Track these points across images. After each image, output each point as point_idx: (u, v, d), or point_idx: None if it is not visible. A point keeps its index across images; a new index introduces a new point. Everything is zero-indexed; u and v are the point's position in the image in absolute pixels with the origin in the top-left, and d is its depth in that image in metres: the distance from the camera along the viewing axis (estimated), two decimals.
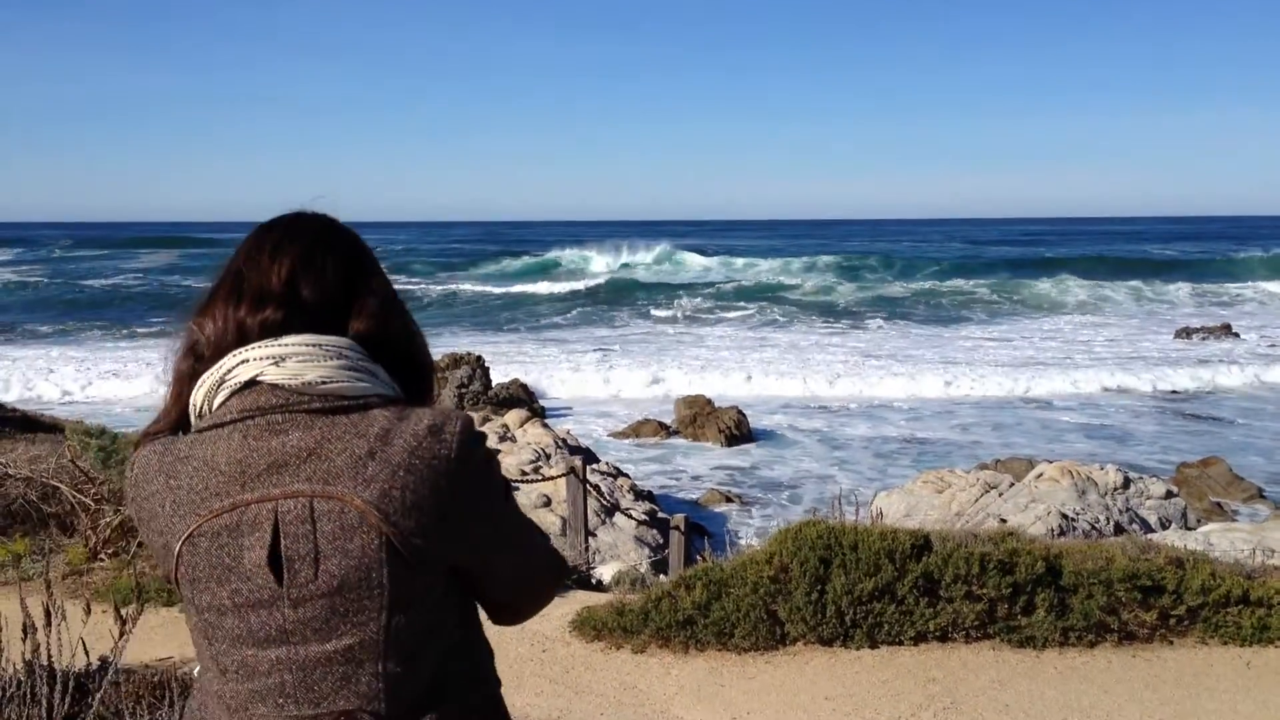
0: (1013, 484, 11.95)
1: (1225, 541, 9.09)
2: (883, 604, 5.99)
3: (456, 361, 20.69)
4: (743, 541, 9.78)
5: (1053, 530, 10.01)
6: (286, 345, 1.50)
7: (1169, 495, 11.82)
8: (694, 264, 64.17)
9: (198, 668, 1.60)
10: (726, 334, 36.42)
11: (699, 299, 45.80)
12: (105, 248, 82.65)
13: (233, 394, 1.51)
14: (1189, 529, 10.78)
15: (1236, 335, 34.23)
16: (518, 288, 50.35)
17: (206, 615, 1.50)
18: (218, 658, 1.52)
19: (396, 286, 1.66)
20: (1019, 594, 6.03)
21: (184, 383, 1.57)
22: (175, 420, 1.58)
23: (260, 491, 1.47)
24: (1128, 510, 11.11)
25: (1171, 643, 6.09)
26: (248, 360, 1.50)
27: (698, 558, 7.10)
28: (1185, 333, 34.83)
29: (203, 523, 1.48)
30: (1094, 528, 10.44)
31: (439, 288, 50.82)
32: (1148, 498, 11.64)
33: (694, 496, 14.74)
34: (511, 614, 1.70)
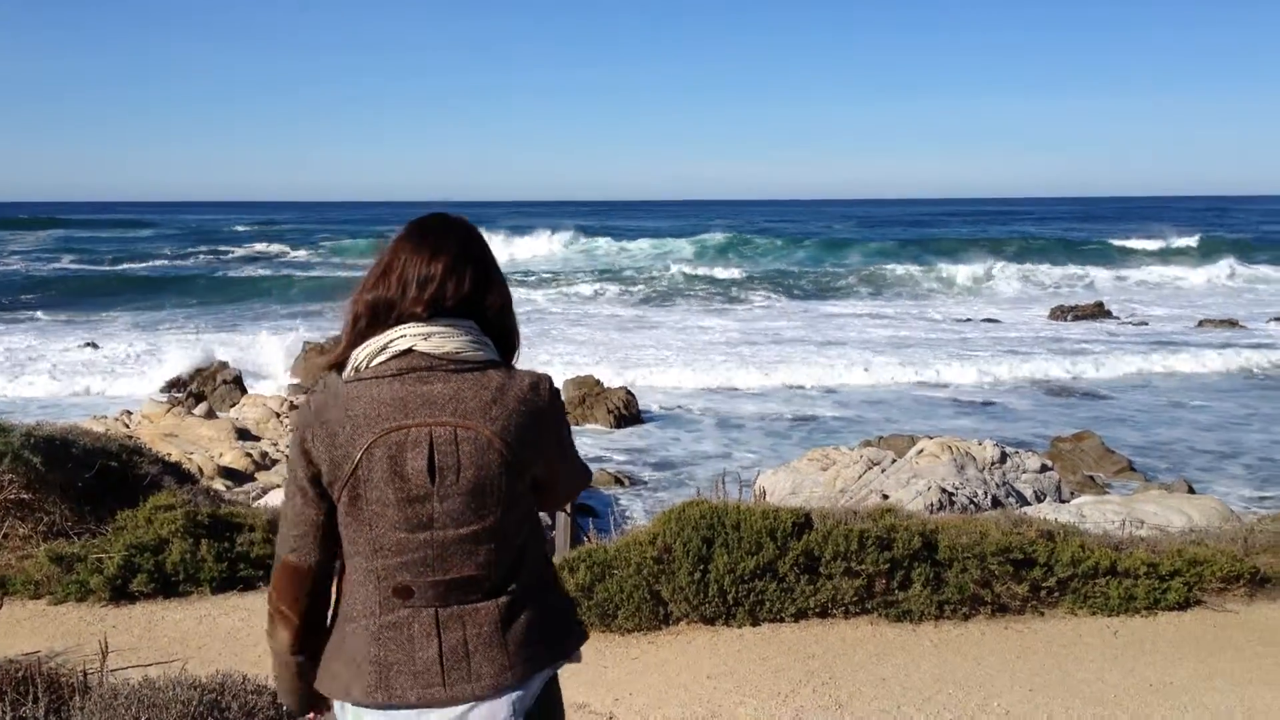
0: (895, 460, 12.15)
1: (1097, 513, 9.36)
2: (764, 582, 6.05)
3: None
4: (633, 522, 9.81)
5: (933, 505, 10.19)
6: (432, 326, 2.18)
7: (1044, 469, 12.13)
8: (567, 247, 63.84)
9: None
10: (616, 314, 36.46)
11: (585, 282, 45.75)
12: None
13: (393, 356, 2.17)
14: (1063, 502, 11.06)
15: (1109, 314, 35.34)
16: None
17: (374, 507, 2.14)
18: (376, 539, 2.16)
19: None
20: (897, 569, 6.14)
21: (357, 340, 2.22)
22: (342, 359, 2.23)
23: (419, 419, 2.14)
24: (1004, 484, 11.37)
25: (1043, 614, 6.26)
26: (405, 335, 2.18)
27: (584, 539, 7.09)
28: (1061, 312, 35.86)
29: (378, 438, 2.13)
30: (972, 502, 10.66)
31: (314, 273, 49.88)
32: (1024, 472, 11.93)
33: None
34: (557, 505, 2.48)
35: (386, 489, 2.13)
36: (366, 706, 2.17)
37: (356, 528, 2.17)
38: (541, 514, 2.47)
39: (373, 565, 2.16)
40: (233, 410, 18.66)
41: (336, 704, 2.24)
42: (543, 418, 2.22)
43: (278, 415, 17.27)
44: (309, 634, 2.28)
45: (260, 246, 64.19)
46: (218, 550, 6.83)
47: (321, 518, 2.21)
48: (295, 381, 22.09)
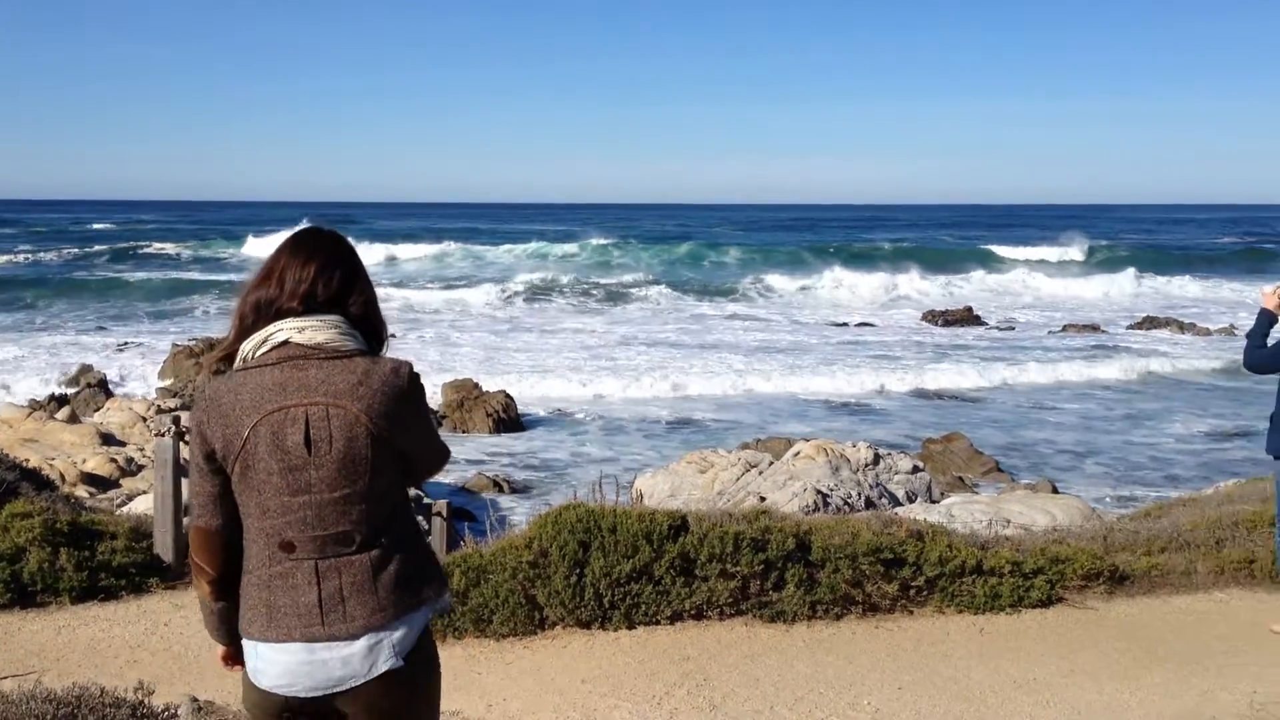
0: (772, 463, 12.29)
1: (966, 513, 9.59)
2: (640, 585, 6.06)
3: (212, 347, 19.83)
4: (511, 527, 9.74)
5: (809, 506, 10.32)
6: (306, 321, 2.55)
7: (915, 470, 12.39)
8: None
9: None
10: (493, 317, 36.26)
11: (463, 286, 45.41)
12: None
13: (273, 348, 2.54)
14: (933, 502, 11.31)
15: (978, 319, 36.30)
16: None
17: (261, 475, 2.50)
18: (264, 503, 2.51)
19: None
20: (771, 570, 6.20)
21: (243, 334, 2.59)
22: (231, 353, 2.60)
23: (296, 400, 2.49)
24: (878, 485, 11.58)
25: (912, 612, 6.39)
26: (283, 329, 2.54)
27: (460, 544, 7.02)
28: (932, 316, 36.72)
29: (262, 417, 2.49)
30: (847, 503, 10.83)
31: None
32: (896, 473, 12.17)
33: (460, 482, 14.59)
34: (421, 477, 2.75)
35: (271, 460, 2.49)
36: (261, 641, 2.54)
37: (247, 494, 2.54)
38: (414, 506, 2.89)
39: (262, 525, 2.54)
40: (97, 415, 18.04)
41: (245, 641, 2.60)
42: (403, 397, 2.57)
43: (144, 419, 16.74)
44: (226, 585, 2.64)
45: (126, 245, 62.15)
46: (78, 559, 6.60)
47: (217, 489, 2.58)
48: (164, 384, 21.47)
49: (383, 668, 2.51)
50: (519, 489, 14.71)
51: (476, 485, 14.49)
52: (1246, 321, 5.78)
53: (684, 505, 9.01)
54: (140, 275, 46.53)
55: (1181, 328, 33.52)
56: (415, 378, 2.61)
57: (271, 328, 2.56)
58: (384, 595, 2.53)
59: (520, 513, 12.92)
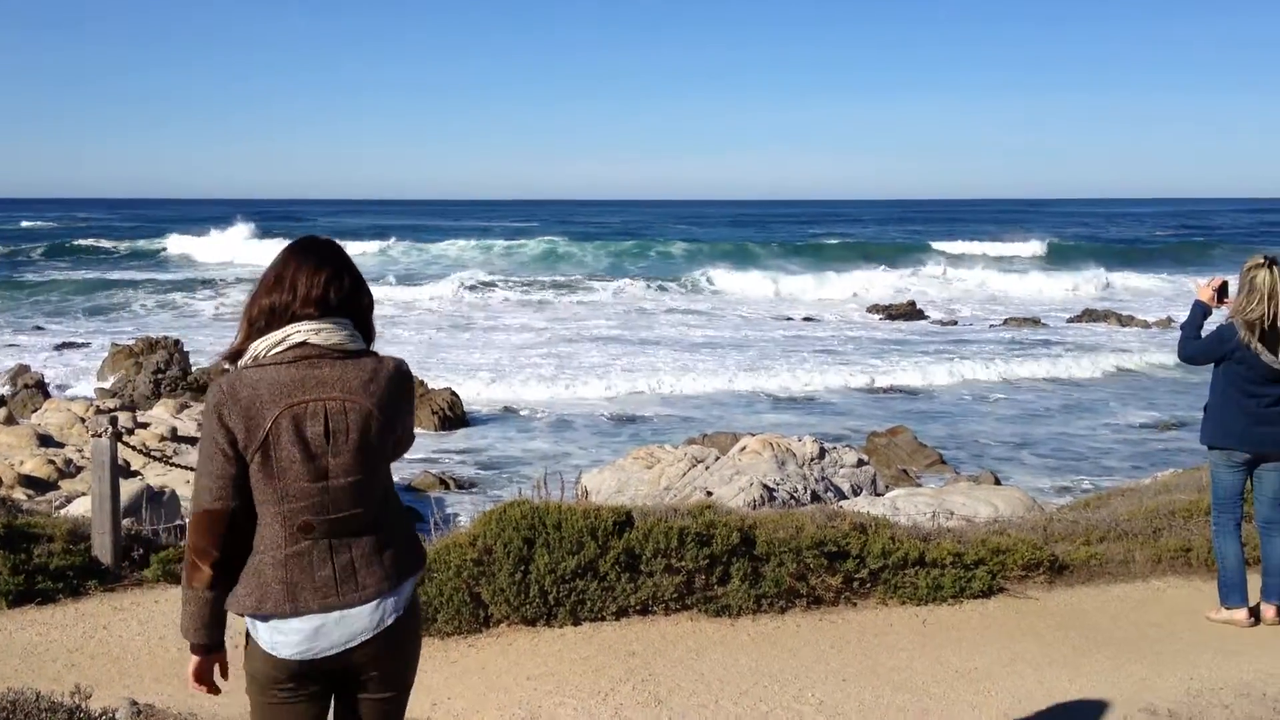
0: (718, 457, 12.32)
1: (910, 505, 9.67)
2: (585, 581, 6.05)
3: (152, 346, 19.57)
4: (456, 525, 9.68)
5: (755, 501, 10.35)
6: (321, 323, 2.84)
7: (860, 464, 12.49)
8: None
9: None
10: (437, 314, 36.06)
11: (409, 284, 45.13)
12: None
13: (290, 347, 2.81)
14: (878, 495, 11.39)
15: (922, 313, 36.64)
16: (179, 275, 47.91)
17: (283, 463, 2.77)
18: (285, 489, 2.78)
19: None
20: (716, 565, 6.22)
21: (254, 335, 2.85)
22: (241, 351, 2.86)
23: (315, 395, 2.79)
24: (823, 479, 11.65)
25: (855, 605, 6.43)
26: (300, 330, 2.82)
27: None
28: (876, 309, 37.02)
29: (283, 410, 2.77)
30: (793, 497, 10.89)
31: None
32: (841, 466, 12.25)
33: (405, 480, 14.50)
34: (395, 460, 3.04)
35: (293, 449, 2.77)
36: (277, 617, 2.78)
37: (267, 480, 2.79)
38: None
39: (280, 509, 2.79)
40: (35, 416, 17.73)
41: (248, 621, 2.84)
42: (403, 391, 2.94)
43: (83, 420, 16.47)
44: (227, 570, 2.82)
45: (61, 242, 61.00)
46: (14, 563, 6.48)
47: (236, 472, 2.79)
48: (103, 385, 21.13)
49: (388, 622, 2.88)
50: (465, 486, 14.64)
51: (422, 483, 14.41)
52: (1183, 313, 5.88)
53: (631, 501, 9.01)
54: (78, 274, 45.77)
55: (1121, 321, 34.04)
56: (409, 373, 3.00)
57: (288, 329, 2.83)
58: (388, 565, 2.90)
59: (467, 510, 12.86)
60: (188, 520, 2.99)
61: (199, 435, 3.33)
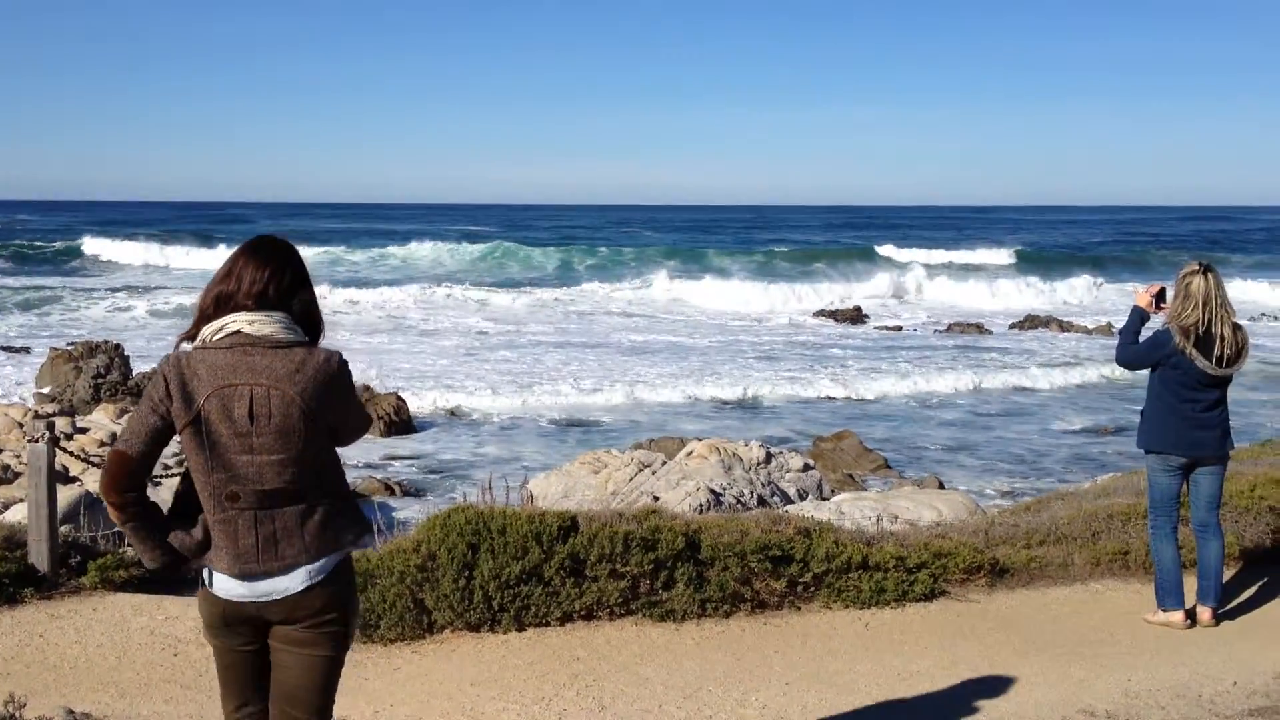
0: (665, 462, 12.33)
1: (855, 510, 9.72)
2: (530, 586, 6.04)
3: (92, 350, 19.26)
4: (401, 531, 9.59)
5: (702, 505, 10.37)
6: (256, 315, 3.14)
7: (806, 468, 12.55)
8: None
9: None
10: (379, 318, 35.84)
11: (357, 286, 44.79)
12: None
13: (227, 335, 3.12)
14: (824, 499, 11.45)
15: (867, 318, 36.94)
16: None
17: (213, 438, 3.09)
18: (213, 461, 3.11)
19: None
20: (660, 569, 6.23)
21: (203, 320, 3.18)
22: (194, 334, 3.18)
23: (243, 380, 3.09)
24: (770, 484, 11.70)
25: (799, 608, 6.47)
26: (236, 320, 3.13)
27: None
28: (823, 314, 37.30)
29: (214, 390, 3.08)
30: (739, 501, 10.92)
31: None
32: (787, 471, 12.31)
33: (351, 486, 14.35)
34: (346, 443, 3.34)
35: (221, 426, 3.09)
36: (217, 571, 3.18)
37: (198, 451, 3.12)
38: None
39: (210, 479, 3.13)
40: None
41: (205, 570, 3.21)
42: (333, 381, 3.19)
43: (20, 425, 16.19)
44: (137, 503, 3.13)
45: None
46: None
47: (157, 427, 3.12)
48: (43, 390, 20.76)
49: (301, 586, 3.16)
50: (411, 492, 14.53)
51: (367, 489, 14.28)
52: (1122, 319, 5.95)
53: (577, 506, 8.99)
54: (13, 280, 44.91)
55: (1062, 327, 34.48)
56: (344, 364, 3.23)
57: (228, 318, 3.14)
58: (309, 539, 3.18)
59: (413, 516, 12.77)
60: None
61: None
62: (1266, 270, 54.17)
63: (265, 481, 3.12)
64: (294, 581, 3.16)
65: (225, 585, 3.17)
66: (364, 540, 3.34)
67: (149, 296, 39.16)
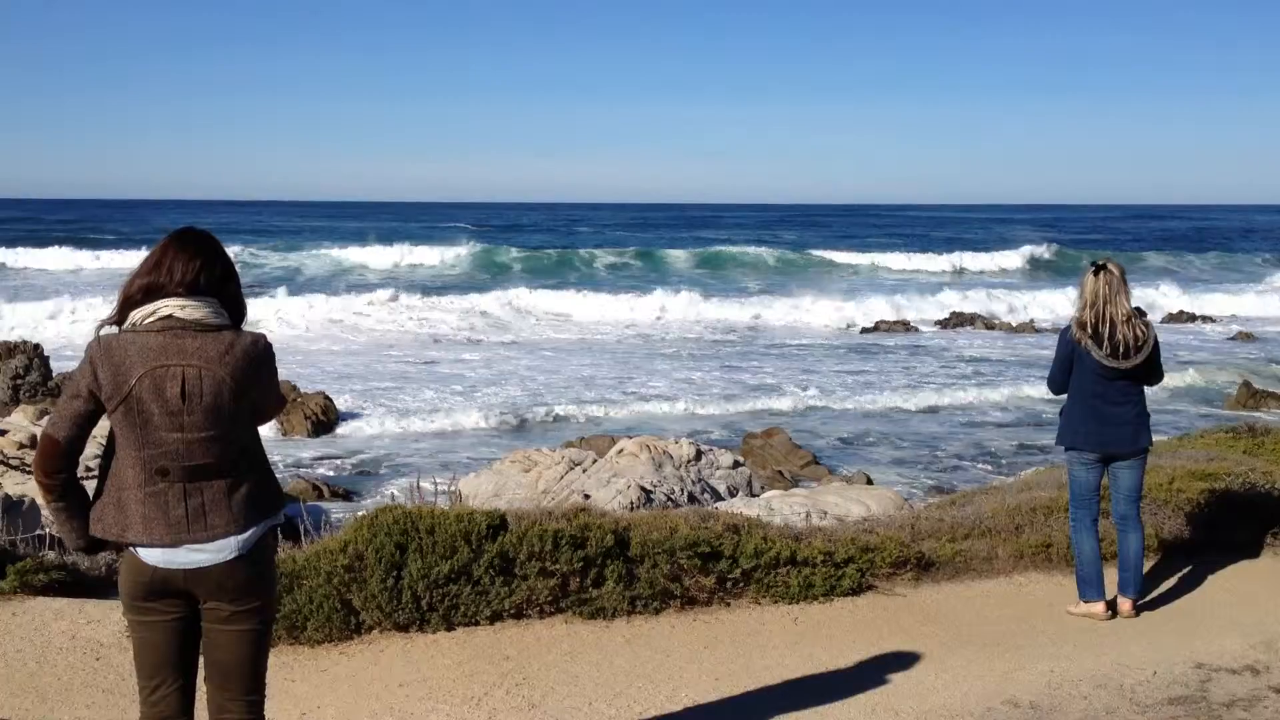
0: (596, 460, 12.33)
1: (785, 506, 9.78)
2: (459, 586, 6.00)
3: (10, 351, 18.80)
4: (329, 531, 9.47)
5: (632, 503, 10.38)
6: (187, 300, 3.32)
7: (736, 465, 12.62)
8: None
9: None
10: (327, 320, 35.43)
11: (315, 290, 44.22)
12: None
13: (160, 319, 3.29)
14: (754, 496, 11.52)
15: (784, 316, 37.25)
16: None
17: (145, 415, 3.26)
18: (145, 437, 3.28)
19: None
20: (590, 567, 6.22)
21: (129, 306, 3.34)
22: (119, 320, 3.34)
23: (175, 361, 3.27)
24: (700, 481, 11.74)
25: (729, 604, 6.49)
26: (168, 305, 3.30)
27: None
28: (758, 317, 37.54)
29: (147, 371, 3.25)
30: (670, 499, 10.94)
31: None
32: (718, 468, 12.36)
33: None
34: (264, 422, 3.59)
35: (153, 405, 3.25)
36: (137, 545, 3.32)
37: (130, 428, 3.29)
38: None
39: (141, 455, 3.29)
40: None
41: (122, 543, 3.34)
42: (260, 362, 3.41)
43: None
44: (67, 486, 3.34)
45: None
46: None
47: (84, 412, 3.31)
48: None
49: (229, 556, 3.35)
50: (339, 494, 14.37)
51: (294, 490, 14.10)
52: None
53: (508, 505, 8.96)
54: None
55: (986, 324, 35.08)
56: (269, 347, 3.46)
57: (159, 303, 3.31)
58: (236, 510, 3.37)
59: (341, 517, 12.63)
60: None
61: None
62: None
63: (194, 457, 3.30)
64: (223, 552, 3.33)
65: (154, 553, 3.31)
66: (280, 515, 3.54)
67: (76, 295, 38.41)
